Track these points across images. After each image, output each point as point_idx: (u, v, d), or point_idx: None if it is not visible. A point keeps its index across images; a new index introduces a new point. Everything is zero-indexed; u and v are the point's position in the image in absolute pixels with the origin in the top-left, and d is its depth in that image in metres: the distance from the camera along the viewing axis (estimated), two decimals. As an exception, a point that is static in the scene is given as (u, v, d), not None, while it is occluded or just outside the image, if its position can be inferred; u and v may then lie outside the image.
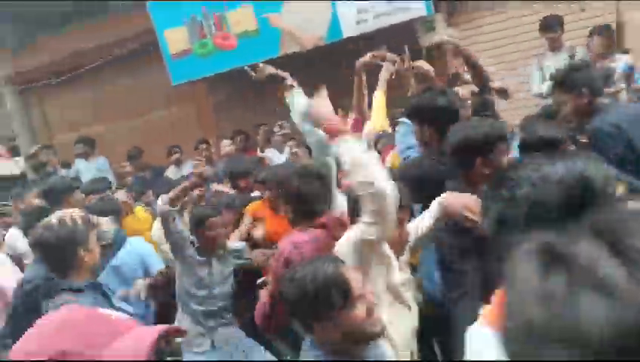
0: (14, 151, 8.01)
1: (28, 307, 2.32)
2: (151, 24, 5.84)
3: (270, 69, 2.53)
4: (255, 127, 5.85)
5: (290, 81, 2.38)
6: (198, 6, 5.39)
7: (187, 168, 5.90)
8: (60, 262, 2.03)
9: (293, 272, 1.37)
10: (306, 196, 2.01)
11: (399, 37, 3.02)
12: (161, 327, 0.92)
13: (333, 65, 5.17)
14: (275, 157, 5.25)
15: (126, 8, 6.21)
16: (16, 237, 3.80)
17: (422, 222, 1.90)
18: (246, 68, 2.63)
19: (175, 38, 5.55)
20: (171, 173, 6.07)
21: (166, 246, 3.02)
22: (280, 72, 2.48)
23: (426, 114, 2.24)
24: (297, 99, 2.30)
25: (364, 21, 4.62)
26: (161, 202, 2.74)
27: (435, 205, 1.87)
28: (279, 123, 5.32)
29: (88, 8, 6.55)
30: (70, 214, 2.13)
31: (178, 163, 6.14)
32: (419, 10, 4.67)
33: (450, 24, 4.98)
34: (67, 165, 6.93)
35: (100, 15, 6.57)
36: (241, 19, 5.20)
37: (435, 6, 4.78)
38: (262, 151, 5.55)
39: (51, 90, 7.38)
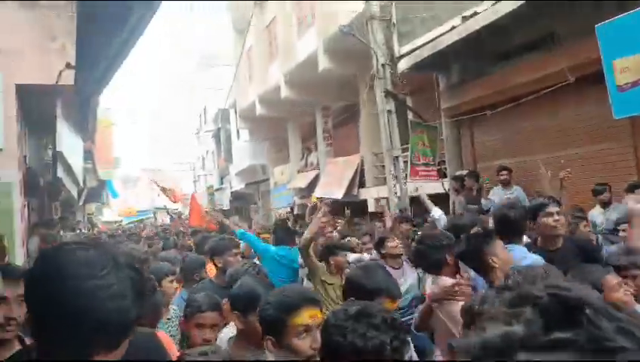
0: (443, 173, 9.12)
1: None
2: (588, 56, 5.52)
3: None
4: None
5: None
6: (661, 30, 4.70)
7: (614, 212, 5.27)
8: None
9: None
10: None
11: None
12: None
13: None
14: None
15: (572, 39, 6.10)
16: None
17: None
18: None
19: (626, 67, 5.02)
20: (596, 213, 5.55)
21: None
22: None
23: None
24: None
25: None
26: None
27: None
28: None
29: (518, 48, 6.82)
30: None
31: (605, 204, 5.56)
32: None
33: None
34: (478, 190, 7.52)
35: (538, 51, 6.70)
36: None
37: None
38: None
39: (481, 121, 8.03)
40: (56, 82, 6.09)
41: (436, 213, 4.64)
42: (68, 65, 5.78)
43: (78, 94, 8.32)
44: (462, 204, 8.14)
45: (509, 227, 3.04)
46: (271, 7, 15.78)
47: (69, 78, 6.37)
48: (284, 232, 5.30)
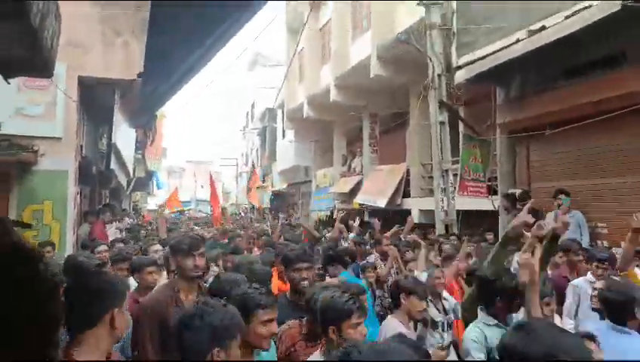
0: (493, 190, 8.79)
1: None
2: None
3: None
4: None
5: None
6: None
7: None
8: None
9: None
10: None
11: None
12: None
13: None
14: None
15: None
16: None
17: None
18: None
19: None
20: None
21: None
22: None
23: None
24: None
25: None
26: None
27: None
28: None
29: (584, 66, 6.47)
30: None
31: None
32: None
33: None
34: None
35: (608, 70, 6.34)
36: None
37: None
38: None
39: (539, 139, 7.67)
40: (134, 78, 6.16)
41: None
42: (139, 75, 5.88)
43: (144, 102, 8.49)
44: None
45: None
46: (327, 9, 15.76)
47: (133, 75, 6.49)
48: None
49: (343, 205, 15.59)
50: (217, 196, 13.10)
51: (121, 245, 6.37)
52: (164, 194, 40.67)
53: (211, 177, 13.93)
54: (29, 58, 2.85)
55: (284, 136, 22.21)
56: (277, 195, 25.46)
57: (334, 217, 15.77)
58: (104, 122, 9.07)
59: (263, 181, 27.93)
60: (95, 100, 8.29)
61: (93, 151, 9.80)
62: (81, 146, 8.35)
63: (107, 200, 14.51)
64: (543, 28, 6.28)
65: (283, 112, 20.88)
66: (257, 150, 30.19)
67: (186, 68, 6.55)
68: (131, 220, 14.36)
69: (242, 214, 26.26)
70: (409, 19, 9.85)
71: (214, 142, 51.18)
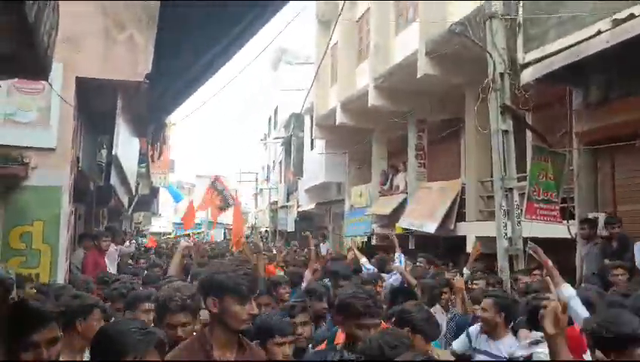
0: (569, 213, 8.60)
1: None
2: None
3: None
4: None
5: None
6: None
7: None
8: None
9: None
10: None
11: None
12: None
13: None
14: None
15: None
16: None
17: None
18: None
19: None
20: None
21: None
22: None
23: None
24: None
25: None
26: None
27: None
28: None
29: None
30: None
31: None
32: None
33: None
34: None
35: None
36: None
37: None
38: None
39: (628, 152, 7.52)
40: (141, 80, 6.31)
41: None
42: (147, 76, 6.03)
43: (151, 107, 8.69)
44: (592, 255, 7.57)
45: None
46: (364, -3, 15.91)
47: (139, 76, 6.63)
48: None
49: (383, 230, 15.49)
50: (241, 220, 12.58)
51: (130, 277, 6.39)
52: (171, 214, 41.28)
53: (237, 199, 12.59)
54: (23, 57, 2.95)
55: (312, 147, 22.32)
56: (303, 217, 25.52)
57: (370, 244, 15.71)
58: (104, 130, 9.32)
59: (287, 200, 28.07)
60: (94, 105, 8.53)
61: (91, 164, 10.06)
62: (78, 158, 8.58)
63: (105, 221, 14.84)
64: (632, 16, 6.19)
65: (312, 119, 21.02)
66: (281, 163, 30.42)
67: (200, 68, 6.68)
68: (133, 242, 14.61)
69: (262, 239, 26.39)
70: (465, 8, 9.84)
71: (230, 154, 51.92)
